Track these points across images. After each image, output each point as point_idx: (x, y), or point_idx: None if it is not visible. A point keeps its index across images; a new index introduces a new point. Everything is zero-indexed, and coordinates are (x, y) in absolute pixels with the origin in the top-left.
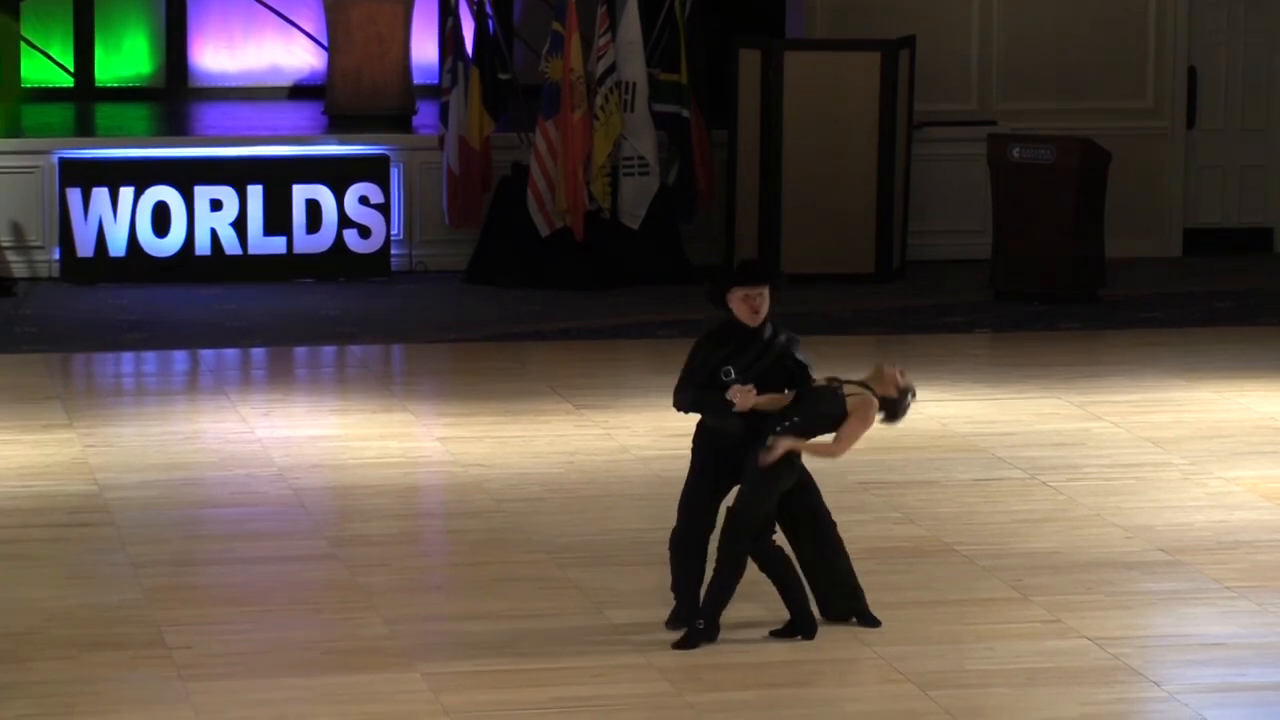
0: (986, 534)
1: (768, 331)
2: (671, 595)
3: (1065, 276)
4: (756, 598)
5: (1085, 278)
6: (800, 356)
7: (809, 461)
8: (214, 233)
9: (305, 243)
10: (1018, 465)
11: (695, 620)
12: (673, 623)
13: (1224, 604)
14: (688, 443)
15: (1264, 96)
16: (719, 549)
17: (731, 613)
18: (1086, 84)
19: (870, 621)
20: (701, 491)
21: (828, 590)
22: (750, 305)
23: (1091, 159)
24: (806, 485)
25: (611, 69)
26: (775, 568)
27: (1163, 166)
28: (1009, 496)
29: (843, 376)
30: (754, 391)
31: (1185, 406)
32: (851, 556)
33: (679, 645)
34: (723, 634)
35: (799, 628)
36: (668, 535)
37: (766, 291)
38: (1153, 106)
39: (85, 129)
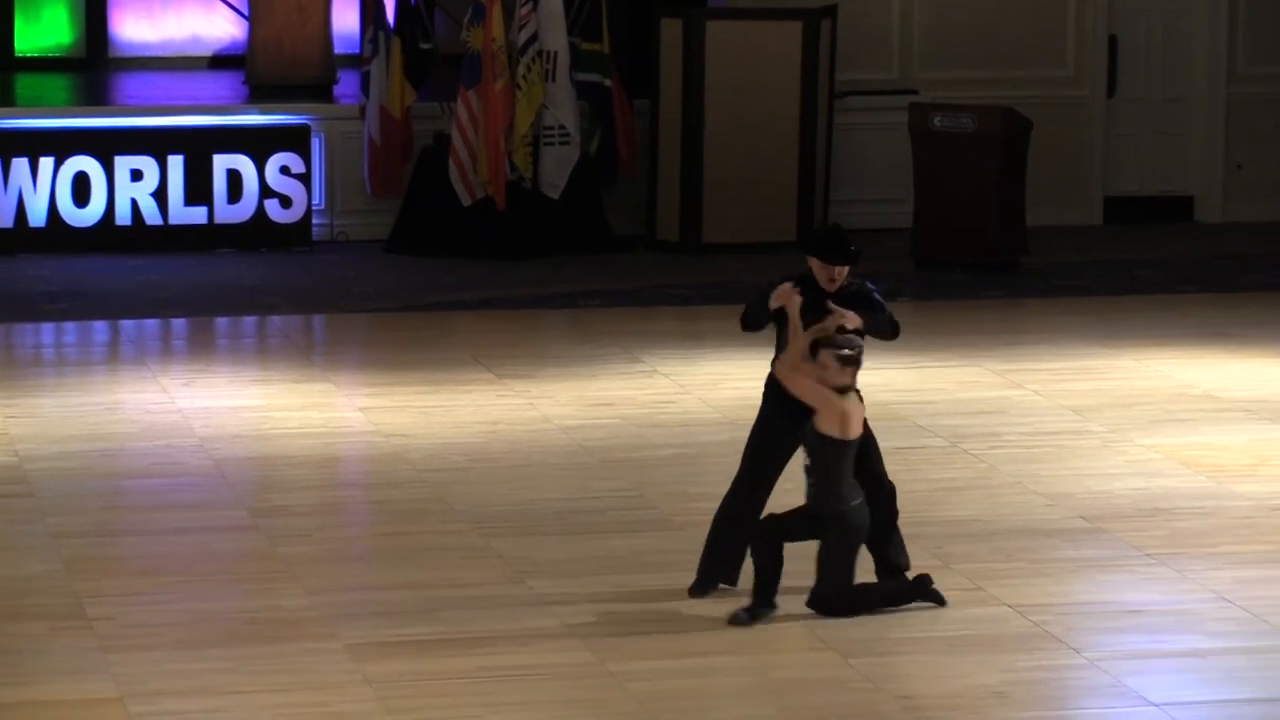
0: (907, 502)
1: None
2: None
3: (986, 245)
4: (673, 566)
5: (1006, 246)
6: (875, 293)
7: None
8: (134, 203)
9: (226, 213)
10: (939, 433)
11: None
12: (699, 590)
13: (1144, 571)
14: (610, 413)
15: (1184, 65)
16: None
17: (653, 581)
18: (1007, 53)
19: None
20: (764, 447)
21: (883, 561)
22: (828, 274)
23: (1012, 127)
24: (870, 453)
25: (533, 38)
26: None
27: (1083, 135)
28: (930, 465)
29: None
30: (796, 293)
31: (1105, 374)
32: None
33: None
34: (643, 603)
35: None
36: (590, 505)
37: (846, 269)
38: (1073, 75)
39: (4, 99)
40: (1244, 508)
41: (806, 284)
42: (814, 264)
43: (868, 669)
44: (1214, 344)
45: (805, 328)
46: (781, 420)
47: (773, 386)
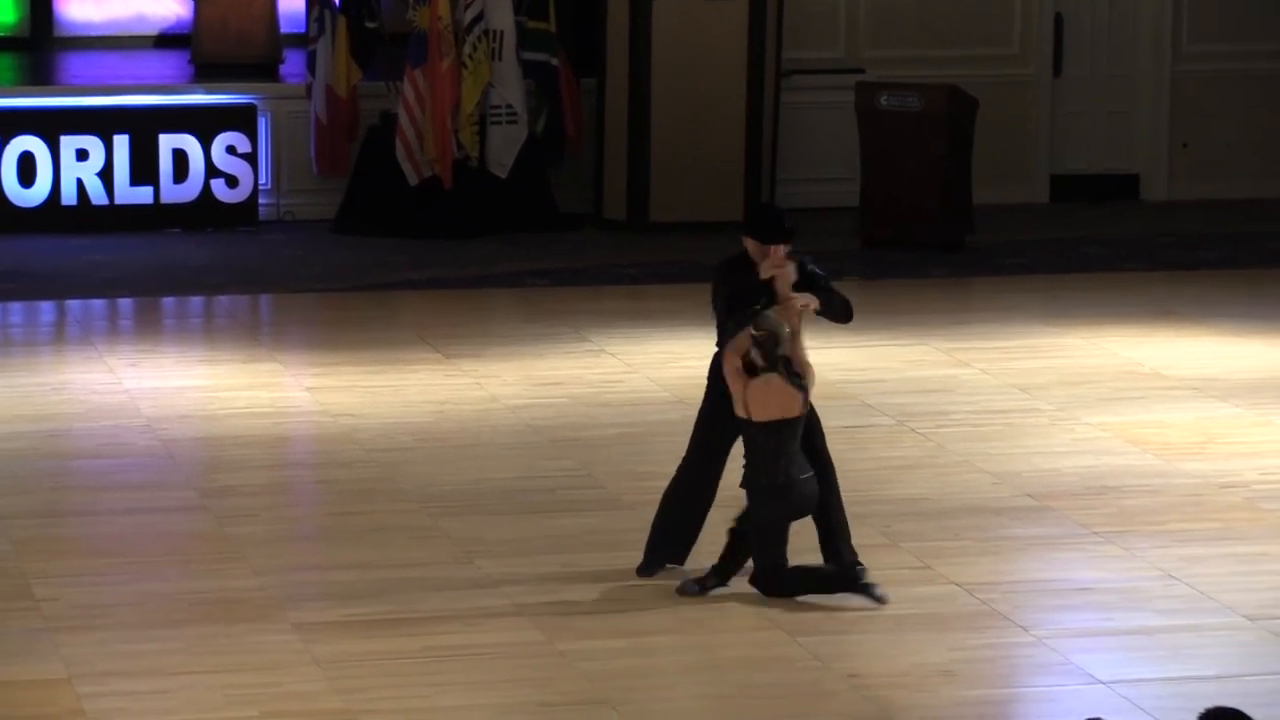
0: (856, 481)
1: None
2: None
3: (933, 223)
4: (622, 545)
5: (953, 225)
6: (816, 270)
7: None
8: (80, 183)
9: (172, 193)
10: (886, 412)
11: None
12: (646, 570)
13: (1091, 549)
14: (557, 392)
15: (1130, 43)
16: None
17: (601, 560)
18: (953, 31)
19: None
20: (711, 428)
21: (826, 535)
22: (765, 255)
23: (959, 106)
24: (814, 430)
25: (479, 17)
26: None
27: (1029, 113)
28: (878, 443)
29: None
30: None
31: (1052, 353)
32: (720, 505)
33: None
34: (592, 582)
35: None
36: (539, 484)
37: (783, 247)
38: (1019, 53)
39: None
40: (1191, 485)
41: (743, 265)
42: (750, 244)
43: (816, 647)
44: (1161, 322)
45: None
46: (726, 402)
47: (717, 369)
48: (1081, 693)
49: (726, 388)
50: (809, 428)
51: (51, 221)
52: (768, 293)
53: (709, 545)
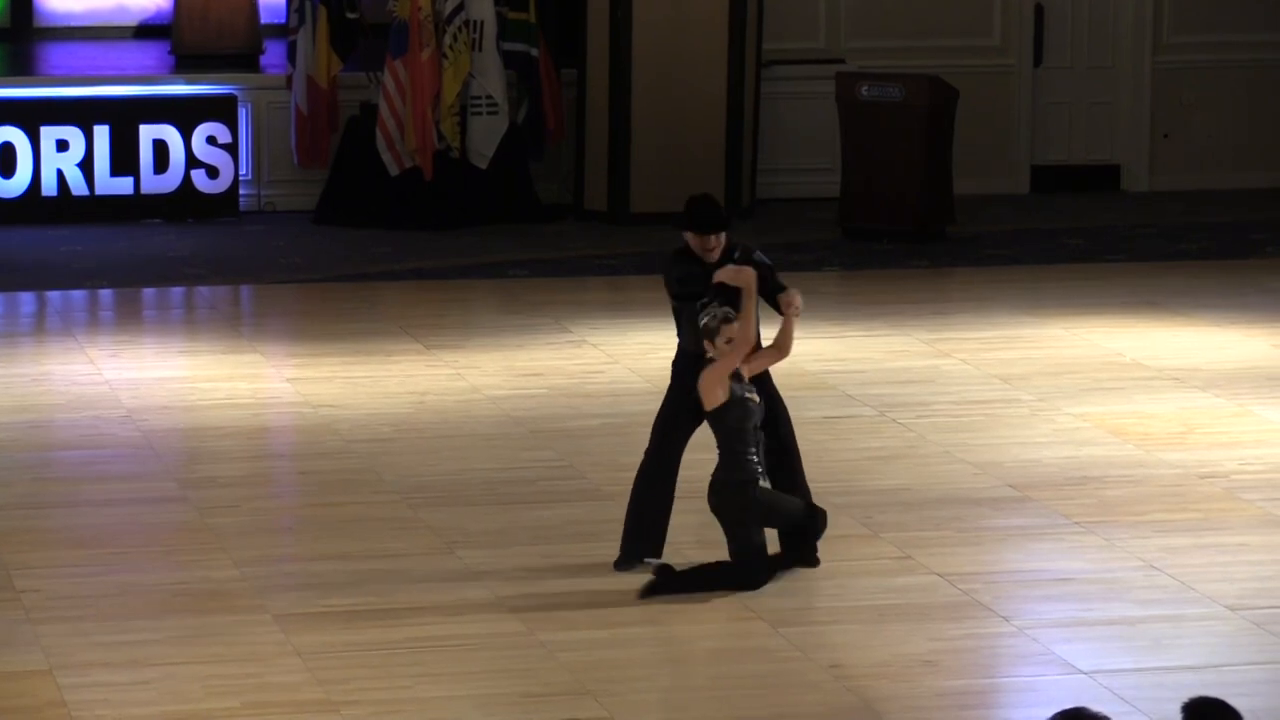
0: (836, 471)
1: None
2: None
3: (914, 214)
4: (603, 536)
5: (934, 215)
6: (763, 258)
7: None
8: (60, 173)
9: (153, 183)
10: (867, 403)
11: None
12: (623, 564)
13: (1072, 539)
14: (538, 384)
15: (1110, 34)
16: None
17: (583, 551)
18: (934, 22)
19: (812, 561)
20: (678, 418)
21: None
22: (704, 244)
23: (940, 97)
24: (780, 418)
25: (460, 7)
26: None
27: (1010, 104)
28: (859, 434)
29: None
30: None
31: (1034, 343)
32: (693, 496)
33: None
34: (573, 573)
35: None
36: (520, 475)
37: (722, 235)
38: (1000, 44)
39: None
40: (1172, 476)
41: (686, 257)
42: (690, 238)
43: (797, 638)
44: (1142, 313)
45: (696, 303)
46: (685, 397)
47: (678, 366)
48: (1062, 683)
49: (683, 386)
50: (775, 415)
51: (32, 212)
52: (719, 293)
53: (685, 537)
